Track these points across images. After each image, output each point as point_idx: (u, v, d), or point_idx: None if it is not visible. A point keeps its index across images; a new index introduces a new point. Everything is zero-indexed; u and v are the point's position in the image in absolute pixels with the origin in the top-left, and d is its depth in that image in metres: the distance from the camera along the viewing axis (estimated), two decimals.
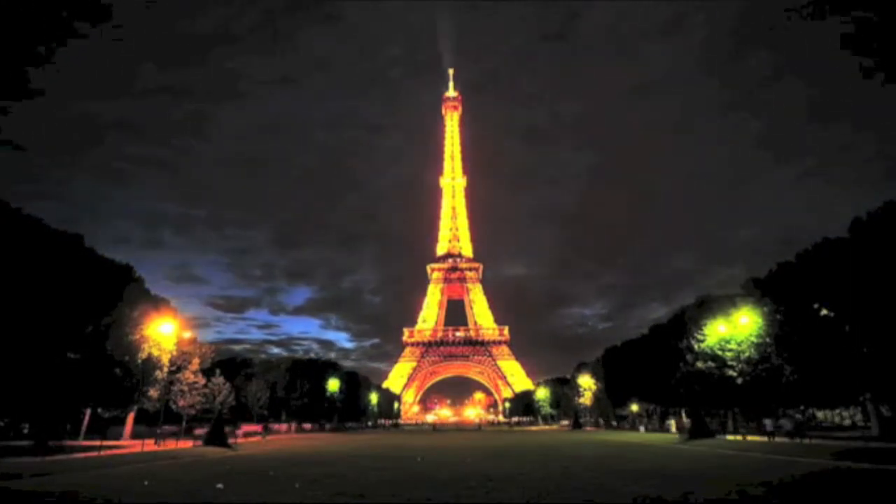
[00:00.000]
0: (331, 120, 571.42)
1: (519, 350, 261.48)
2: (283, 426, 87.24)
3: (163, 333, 44.35)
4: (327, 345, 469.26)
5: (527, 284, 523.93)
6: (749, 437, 45.37)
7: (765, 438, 42.27)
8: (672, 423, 68.89)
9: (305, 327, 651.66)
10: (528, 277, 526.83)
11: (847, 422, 61.23)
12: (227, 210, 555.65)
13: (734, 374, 48.25)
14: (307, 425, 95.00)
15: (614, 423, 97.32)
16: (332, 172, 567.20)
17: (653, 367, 61.70)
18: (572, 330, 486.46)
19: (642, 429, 76.34)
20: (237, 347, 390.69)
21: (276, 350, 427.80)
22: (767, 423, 43.34)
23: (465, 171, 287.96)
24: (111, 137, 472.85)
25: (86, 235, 37.81)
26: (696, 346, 52.36)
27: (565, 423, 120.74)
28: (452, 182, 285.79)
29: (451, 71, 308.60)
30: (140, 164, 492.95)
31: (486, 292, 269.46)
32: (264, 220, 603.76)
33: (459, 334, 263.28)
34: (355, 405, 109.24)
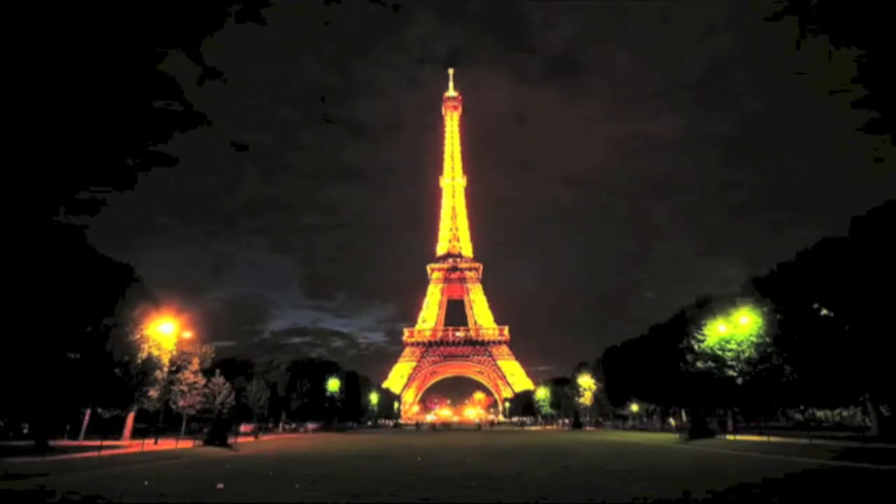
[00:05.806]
0: None
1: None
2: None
3: (163, 333, 44.36)
4: (394, 335, 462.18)
5: None
6: (742, 437, 45.31)
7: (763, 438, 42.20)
8: (672, 422, 68.82)
9: (384, 313, 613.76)
10: None
11: (847, 422, 61.23)
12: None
13: (734, 374, 48.20)
14: (312, 425, 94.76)
15: (614, 422, 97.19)
16: None
17: (653, 367, 61.65)
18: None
19: (646, 422, 76.18)
20: (297, 339, 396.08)
21: (337, 344, 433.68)
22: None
23: (465, 170, 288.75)
24: None
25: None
26: (696, 346, 52.31)
27: (566, 422, 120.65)
28: (452, 182, 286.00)
29: (450, 71, 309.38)
30: None
31: (486, 292, 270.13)
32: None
33: (459, 334, 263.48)
34: (355, 405, 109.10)
